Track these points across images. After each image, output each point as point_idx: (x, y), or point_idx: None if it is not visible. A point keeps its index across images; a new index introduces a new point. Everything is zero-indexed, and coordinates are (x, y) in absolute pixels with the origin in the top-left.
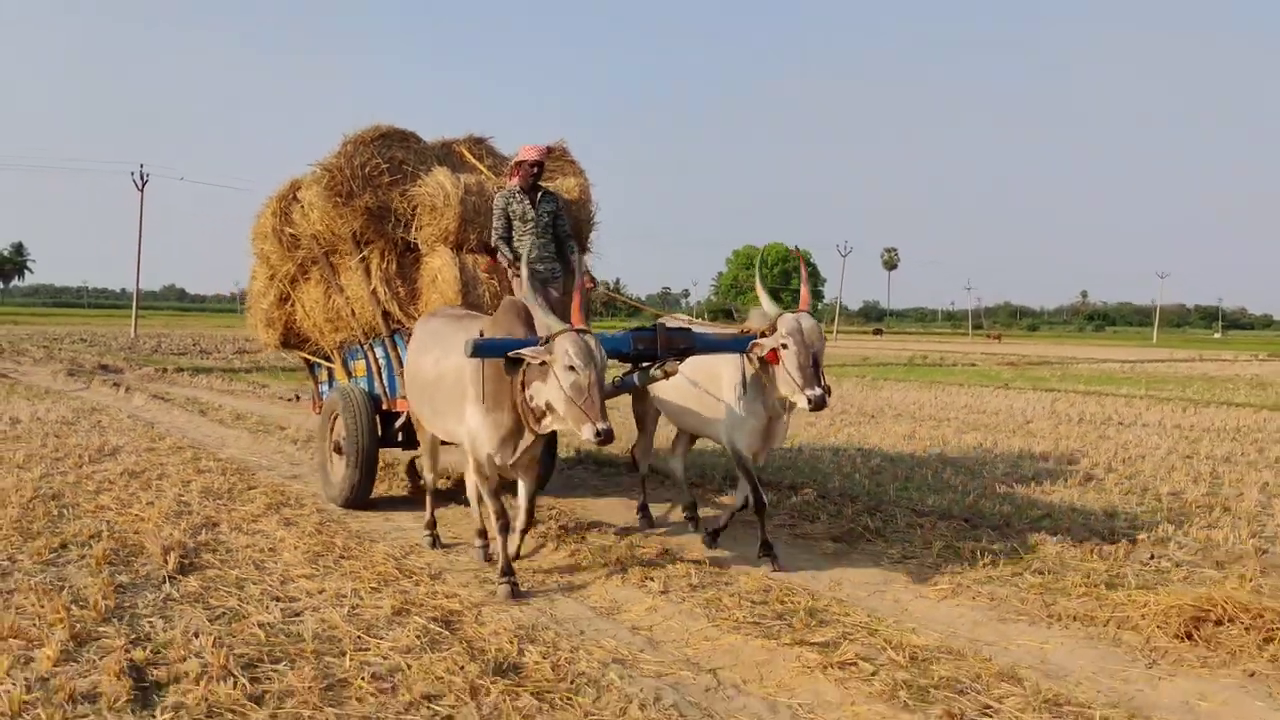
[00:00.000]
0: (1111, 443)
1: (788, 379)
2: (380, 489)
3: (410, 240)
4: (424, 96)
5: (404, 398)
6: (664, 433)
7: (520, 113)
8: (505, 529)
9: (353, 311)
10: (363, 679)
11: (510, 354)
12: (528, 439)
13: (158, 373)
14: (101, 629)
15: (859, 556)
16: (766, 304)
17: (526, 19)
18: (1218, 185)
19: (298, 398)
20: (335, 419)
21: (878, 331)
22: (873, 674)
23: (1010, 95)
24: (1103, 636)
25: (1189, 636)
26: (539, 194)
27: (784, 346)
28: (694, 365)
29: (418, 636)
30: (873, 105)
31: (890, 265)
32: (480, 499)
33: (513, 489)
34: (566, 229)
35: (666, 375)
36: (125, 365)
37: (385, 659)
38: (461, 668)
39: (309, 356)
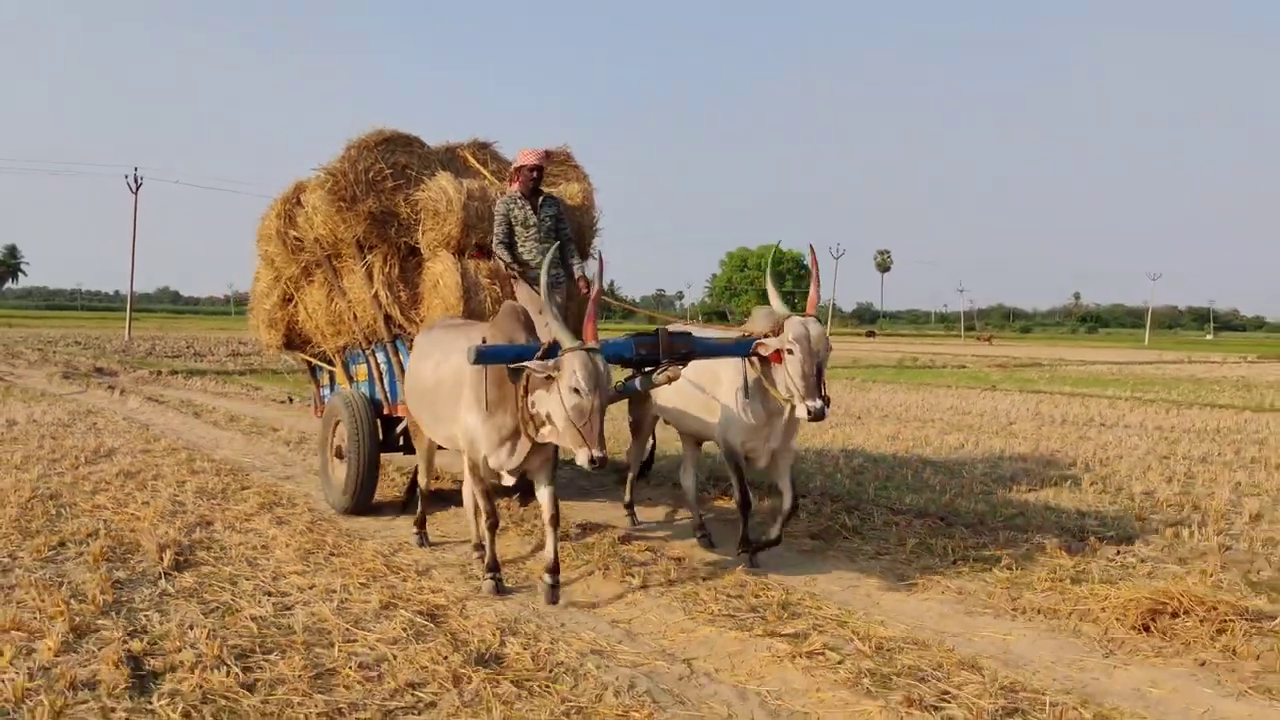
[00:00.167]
0: (1091, 444)
1: (788, 384)
2: None
3: (413, 244)
4: (424, 97)
5: (404, 403)
6: (669, 439)
7: (520, 113)
8: (494, 528)
9: (355, 315)
10: (350, 668)
11: (516, 365)
12: (525, 445)
13: (152, 375)
14: (100, 622)
15: (835, 553)
16: (776, 303)
17: (526, 19)
18: (1211, 187)
19: (291, 400)
20: (337, 424)
21: (871, 333)
22: (839, 663)
23: (1007, 96)
24: (1064, 628)
25: (1146, 628)
26: (540, 199)
27: (789, 352)
28: (694, 367)
29: (404, 629)
30: (871, 105)
31: (884, 267)
32: (476, 509)
33: (507, 493)
34: (568, 233)
35: (669, 380)
36: (120, 368)
37: (372, 650)
38: (445, 658)
39: (311, 359)
